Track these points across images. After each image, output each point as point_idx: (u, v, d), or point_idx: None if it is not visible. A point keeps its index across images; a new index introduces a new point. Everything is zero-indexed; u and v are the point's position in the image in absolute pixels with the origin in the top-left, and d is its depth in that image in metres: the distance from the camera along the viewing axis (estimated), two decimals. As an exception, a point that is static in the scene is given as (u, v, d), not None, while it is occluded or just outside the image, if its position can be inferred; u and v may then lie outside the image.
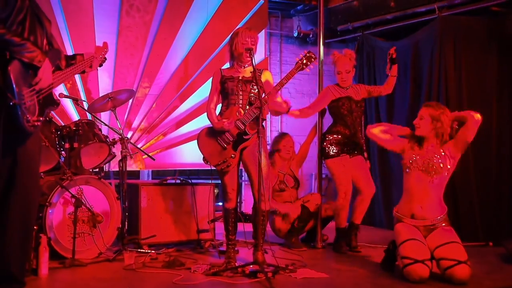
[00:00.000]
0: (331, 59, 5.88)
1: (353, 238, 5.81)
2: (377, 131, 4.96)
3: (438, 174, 4.57)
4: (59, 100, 3.77)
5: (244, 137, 4.85)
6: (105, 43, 4.23)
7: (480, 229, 6.39)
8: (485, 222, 6.43)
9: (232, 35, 5.01)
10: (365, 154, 5.92)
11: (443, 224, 4.57)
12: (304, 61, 4.83)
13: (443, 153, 4.60)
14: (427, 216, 4.56)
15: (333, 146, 5.77)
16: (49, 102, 3.59)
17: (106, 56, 4.22)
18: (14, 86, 3.27)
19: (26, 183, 3.53)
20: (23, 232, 3.60)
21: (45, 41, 3.61)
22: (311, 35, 8.72)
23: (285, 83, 4.80)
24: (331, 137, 5.79)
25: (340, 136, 5.77)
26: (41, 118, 3.46)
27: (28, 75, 3.40)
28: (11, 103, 3.27)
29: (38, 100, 3.47)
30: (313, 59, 4.84)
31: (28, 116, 3.37)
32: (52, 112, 6.38)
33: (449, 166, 4.59)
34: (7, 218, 3.49)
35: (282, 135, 6.45)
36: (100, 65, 4.22)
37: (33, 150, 3.56)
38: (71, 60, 3.95)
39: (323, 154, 5.88)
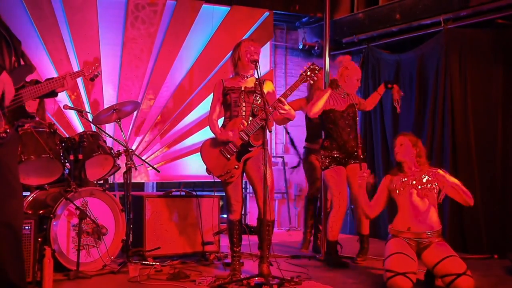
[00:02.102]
0: (340, 60, 5.88)
1: (364, 249, 5.83)
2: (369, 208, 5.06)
3: (429, 192, 4.68)
4: (33, 114, 3.81)
5: (249, 148, 4.84)
6: (95, 58, 4.25)
7: (485, 241, 6.35)
8: (490, 235, 6.39)
9: (235, 46, 5.02)
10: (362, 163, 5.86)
11: (437, 240, 4.60)
12: (308, 73, 4.82)
13: (429, 178, 4.75)
14: (422, 226, 4.62)
15: (326, 159, 5.73)
16: (19, 115, 3.67)
17: (98, 71, 4.22)
18: None
19: (5, 193, 3.61)
20: (12, 239, 3.64)
21: (13, 58, 3.70)
22: (316, 47, 8.74)
23: (290, 95, 4.77)
24: (324, 152, 5.76)
25: (330, 151, 5.73)
26: (8, 130, 3.56)
27: None
28: None
29: (3, 113, 3.56)
30: (317, 71, 4.83)
31: None
32: (57, 124, 6.40)
33: (435, 184, 4.72)
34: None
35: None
36: (92, 79, 4.23)
37: (7, 162, 3.64)
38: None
39: (321, 166, 5.85)
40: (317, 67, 4.84)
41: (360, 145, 5.68)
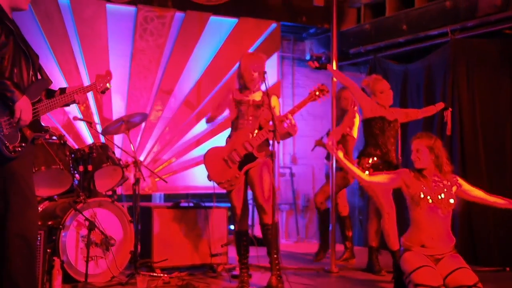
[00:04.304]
0: (366, 82, 5.97)
1: (375, 261, 5.81)
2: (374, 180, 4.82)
3: (446, 208, 4.41)
4: (47, 127, 3.85)
5: (251, 159, 4.89)
6: (107, 71, 4.26)
7: (496, 253, 6.31)
8: (501, 247, 6.34)
9: (239, 61, 5.12)
10: None
11: (450, 252, 4.49)
12: (317, 93, 4.99)
13: (448, 184, 4.45)
14: (437, 246, 4.44)
15: (370, 169, 5.70)
16: (34, 128, 3.73)
17: (109, 83, 4.25)
18: None
19: (20, 204, 3.65)
20: (26, 251, 3.66)
21: (31, 72, 3.75)
22: (323, 58, 8.75)
23: (297, 111, 4.93)
24: (363, 161, 5.74)
25: (372, 158, 5.73)
26: (23, 144, 3.61)
27: (4, 105, 3.54)
28: None
29: (19, 128, 3.59)
30: (326, 92, 5.01)
31: (6, 142, 3.53)
32: (66, 135, 6.43)
33: (452, 201, 4.43)
34: (7, 239, 3.59)
35: (343, 88, 6.55)
36: (103, 92, 4.27)
37: (23, 174, 3.67)
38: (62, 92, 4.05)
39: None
40: (326, 88, 5.02)
41: (400, 157, 5.72)
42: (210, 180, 4.98)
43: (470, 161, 6.49)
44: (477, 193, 4.60)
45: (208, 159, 5.02)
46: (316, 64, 6.04)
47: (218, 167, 4.94)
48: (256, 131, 4.93)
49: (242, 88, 5.05)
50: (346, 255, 6.48)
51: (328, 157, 6.65)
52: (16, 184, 3.60)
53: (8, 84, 3.50)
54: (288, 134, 5.00)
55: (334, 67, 6.13)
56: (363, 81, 6.09)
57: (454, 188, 4.45)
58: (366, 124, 5.88)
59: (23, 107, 3.56)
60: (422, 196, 4.38)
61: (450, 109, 6.04)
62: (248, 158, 4.90)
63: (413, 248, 4.43)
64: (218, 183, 4.94)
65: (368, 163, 5.71)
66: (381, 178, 4.69)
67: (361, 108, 5.91)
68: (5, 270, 3.58)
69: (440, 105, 6.09)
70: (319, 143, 6.92)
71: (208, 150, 5.08)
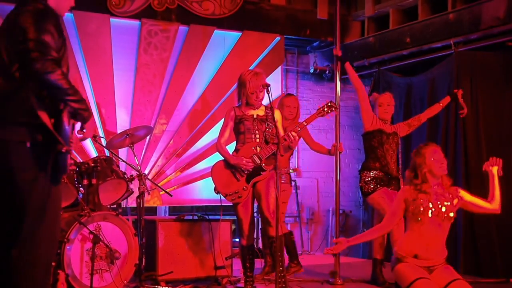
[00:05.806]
0: (374, 97, 6.02)
1: (378, 274, 5.78)
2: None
3: (446, 222, 4.34)
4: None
5: (260, 172, 4.94)
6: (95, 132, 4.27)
7: (500, 265, 6.29)
8: (505, 258, 6.32)
9: (239, 79, 5.15)
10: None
11: (442, 264, 4.44)
12: (326, 109, 5.09)
13: (450, 197, 4.38)
14: (430, 257, 4.38)
15: (368, 184, 5.74)
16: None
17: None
18: (66, 133, 3.36)
19: (52, 222, 3.61)
20: (45, 267, 3.65)
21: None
22: (327, 71, 8.77)
23: (305, 126, 5.05)
24: (364, 175, 5.78)
25: (372, 172, 5.76)
26: (72, 163, 3.58)
27: (71, 121, 3.50)
28: (63, 150, 3.33)
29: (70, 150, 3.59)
30: (334, 109, 5.12)
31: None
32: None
33: (452, 215, 4.37)
34: (35, 256, 3.55)
35: (287, 95, 6.67)
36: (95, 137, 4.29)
37: (58, 192, 3.66)
38: None
39: (361, 193, 5.91)
40: (334, 105, 5.15)
41: (400, 172, 5.72)
42: (217, 193, 5.03)
43: (474, 175, 6.47)
44: (480, 203, 4.53)
45: (215, 171, 5.11)
46: (340, 53, 6.06)
47: (225, 179, 5.02)
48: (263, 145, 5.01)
49: (245, 104, 5.10)
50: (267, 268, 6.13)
51: None
52: (53, 203, 3.55)
53: (87, 104, 3.39)
54: (288, 148, 5.05)
55: (338, 81, 6.15)
56: (373, 95, 6.15)
57: (455, 201, 4.40)
58: (366, 137, 5.93)
59: (91, 127, 3.51)
60: (422, 209, 4.29)
61: (461, 91, 6.05)
62: (256, 170, 4.96)
63: (406, 260, 4.32)
64: (225, 195, 4.99)
65: (370, 177, 5.75)
66: (391, 220, 4.55)
67: (362, 120, 5.95)
68: (32, 285, 3.56)
69: (447, 100, 6.10)
70: None
71: (216, 163, 5.16)
